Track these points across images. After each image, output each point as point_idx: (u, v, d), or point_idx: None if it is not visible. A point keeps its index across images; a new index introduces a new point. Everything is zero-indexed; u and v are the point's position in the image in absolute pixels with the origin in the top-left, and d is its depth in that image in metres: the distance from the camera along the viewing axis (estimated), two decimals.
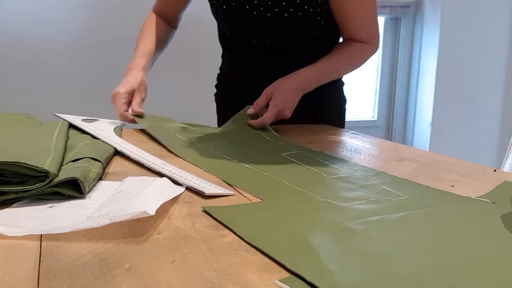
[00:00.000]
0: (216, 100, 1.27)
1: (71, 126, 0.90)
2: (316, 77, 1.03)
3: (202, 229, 0.47)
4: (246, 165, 0.71)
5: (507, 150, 1.39)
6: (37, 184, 0.52)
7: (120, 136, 0.87)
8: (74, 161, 0.62)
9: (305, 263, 0.39)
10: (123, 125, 0.98)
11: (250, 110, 1.00)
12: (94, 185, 0.59)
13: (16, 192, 0.52)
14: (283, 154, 0.79)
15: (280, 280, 0.36)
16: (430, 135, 2.47)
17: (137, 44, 1.13)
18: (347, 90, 1.20)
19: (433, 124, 2.46)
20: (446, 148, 2.46)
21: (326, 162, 0.74)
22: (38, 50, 1.85)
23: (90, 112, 1.09)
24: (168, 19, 1.19)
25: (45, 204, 0.53)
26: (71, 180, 0.54)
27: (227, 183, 0.62)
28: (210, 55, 1.31)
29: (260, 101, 1.00)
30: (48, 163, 0.55)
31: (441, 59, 2.40)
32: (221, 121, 1.24)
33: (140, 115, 0.99)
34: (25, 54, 1.84)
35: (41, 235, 0.44)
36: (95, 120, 0.96)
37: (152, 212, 0.45)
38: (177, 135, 0.92)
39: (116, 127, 0.93)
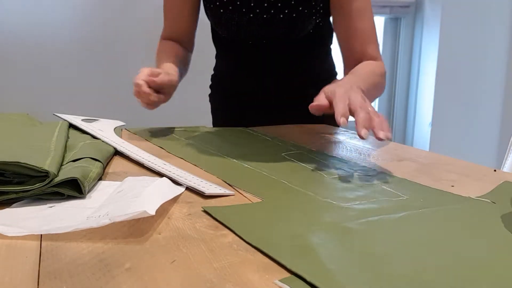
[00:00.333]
0: (210, 101, 1.26)
1: (71, 126, 0.90)
2: (356, 80, 0.85)
3: (202, 229, 0.47)
4: (246, 165, 0.71)
5: (507, 150, 1.39)
6: (37, 184, 0.52)
7: (120, 136, 0.87)
8: (74, 161, 0.62)
9: (305, 263, 0.39)
10: (123, 125, 0.98)
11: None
12: (94, 185, 0.59)
13: (16, 192, 0.52)
14: (283, 154, 0.79)
15: (280, 280, 0.36)
16: (430, 135, 2.47)
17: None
18: None
19: (433, 124, 2.46)
20: (446, 148, 2.46)
21: (326, 162, 0.74)
22: (38, 50, 1.85)
23: (90, 112, 1.10)
24: (181, 42, 1.10)
25: (45, 204, 0.53)
26: (71, 180, 0.54)
27: (227, 183, 0.62)
28: (204, 56, 1.29)
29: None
30: (48, 163, 0.55)
31: (441, 59, 2.40)
32: (216, 122, 1.24)
33: (158, 98, 0.86)
34: (25, 54, 1.84)
35: (41, 235, 0.44)
36: (95, 120, 0.96)
37: (152, 212, 0.45)
38: (176, 135, 0.92)
39: (116, 127, 0.93)
